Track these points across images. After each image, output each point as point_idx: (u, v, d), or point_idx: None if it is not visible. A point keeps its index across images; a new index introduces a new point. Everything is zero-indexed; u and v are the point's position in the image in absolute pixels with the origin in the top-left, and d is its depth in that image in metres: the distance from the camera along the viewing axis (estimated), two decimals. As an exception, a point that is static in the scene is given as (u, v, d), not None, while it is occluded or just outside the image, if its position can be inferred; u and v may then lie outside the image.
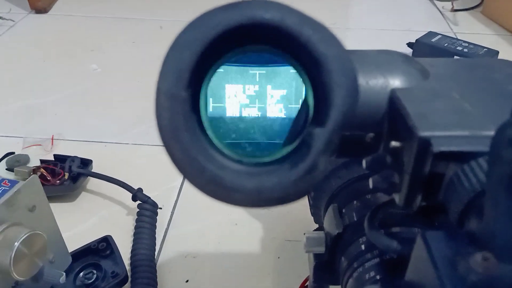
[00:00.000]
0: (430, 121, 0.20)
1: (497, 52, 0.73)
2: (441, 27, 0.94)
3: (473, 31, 0.94)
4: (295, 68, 0.20)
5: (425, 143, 0.19)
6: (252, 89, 0.21)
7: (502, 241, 0.16)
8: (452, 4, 1.02)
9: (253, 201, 0.18)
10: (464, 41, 0.76)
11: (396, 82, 0.23)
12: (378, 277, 0.27)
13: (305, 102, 0.20)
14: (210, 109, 0.21)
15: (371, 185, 0.22)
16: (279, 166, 0.19)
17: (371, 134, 0.23)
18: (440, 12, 1.02)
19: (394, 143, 0.21)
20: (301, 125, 0.20)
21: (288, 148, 0.20)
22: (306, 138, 0.18)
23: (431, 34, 0.78)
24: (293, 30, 0.17)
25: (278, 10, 0.17)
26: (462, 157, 0.19)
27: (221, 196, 0.18)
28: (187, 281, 0.44)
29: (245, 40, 0.18)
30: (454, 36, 0.84)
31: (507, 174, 0.15)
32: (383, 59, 0.24)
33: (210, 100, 0.20)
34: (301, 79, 0.20)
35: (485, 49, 0.73)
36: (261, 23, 0.17)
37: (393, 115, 0.22)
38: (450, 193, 0.19)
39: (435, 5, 1.05)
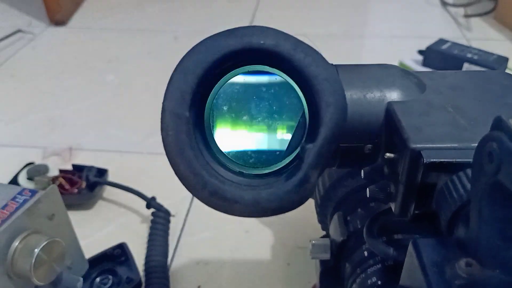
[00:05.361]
0: (422, 134, 0.21)
1: (507, 59, 0.73)
2: (454, 33, 0.94)
3: (486, 36, 0.93)
4: (293, 86, 0.21)
5: (416, 155, 0.20)
6: (263, 99, 0.22)
7: (485, 248, 0.17)
8: (465, 10, 1.02)
9: (251, 212, 0.19)
10: (474, 48, 0.76)
11: (392, 96, 0.24)
12: (379, 282, 0.27)
13: (303, 117, 0.21)
14: (221, 121, 0.22)
15: (368, 195, 0.23)
16: (276, 178, 0.20)
17: (369, 145, 0.24)
18: (453, 18, 1.02)
19: (388, 155, 0.22)
20: (299, 138, 0.21)
21: (286, 160, 0.21)
22: (300, 152, 0.19)
23: (441, 41, 0.79)
24: (286, 54, 0.18)
25: (273, 36, 0.19)
26: (451, 168, 0.20)
27: (222, 207, 0.19)
28: (199, 287, 0.45)
29: (244, 62, 0.20)
30: (466, 42, 0.84)
31: (488, 185, 0.16)
32: (381, 73, 0.25)
33: (222, 112, 0.22)
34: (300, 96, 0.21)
35: (495, 56, 0.73)
36: (258, 49, 0.18)
37: (389, 127, 0.23)
38: (440, 202, 0.20)
39: (448, 11, 1.06)
